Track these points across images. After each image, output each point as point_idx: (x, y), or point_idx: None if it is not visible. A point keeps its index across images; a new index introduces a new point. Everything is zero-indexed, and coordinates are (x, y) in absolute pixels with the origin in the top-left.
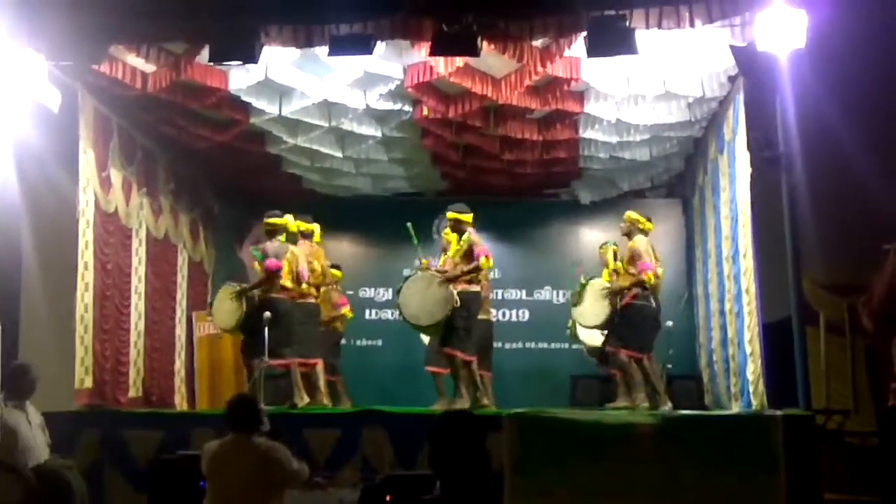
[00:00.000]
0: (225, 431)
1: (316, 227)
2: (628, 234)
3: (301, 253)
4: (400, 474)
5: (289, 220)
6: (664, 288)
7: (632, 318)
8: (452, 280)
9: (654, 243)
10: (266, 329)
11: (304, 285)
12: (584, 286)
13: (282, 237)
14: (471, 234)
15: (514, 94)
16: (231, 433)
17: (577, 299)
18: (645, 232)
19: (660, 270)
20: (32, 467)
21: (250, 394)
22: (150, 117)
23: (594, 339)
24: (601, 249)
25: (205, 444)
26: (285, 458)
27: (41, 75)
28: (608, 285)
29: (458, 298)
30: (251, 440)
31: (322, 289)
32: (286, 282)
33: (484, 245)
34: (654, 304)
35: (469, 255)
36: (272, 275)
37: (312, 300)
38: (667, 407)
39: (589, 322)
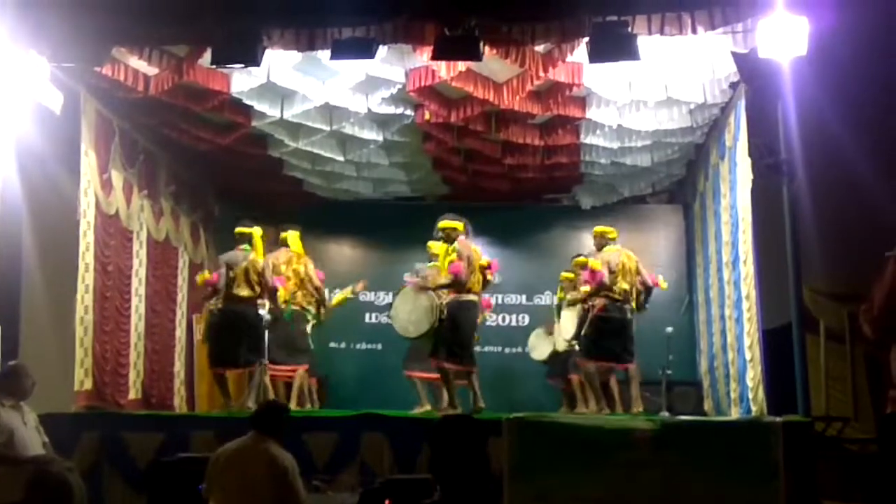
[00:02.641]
0: (228, 433)
1: (290, 236)
2: (600, 248)
3: (269, 261)
4: (399, 478)
5: (256, 230)
6: (664, 294)
7: (598, 329)
8: (431, 289)
9: (654, 249)
10: (266, 333)
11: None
12: (561, 300)
13: (246, 246)
14: (459, 243)
15: (516, 99)
16: (252, 432)
17: (557, 314)
18: (614, 241)
19: (657, 278)
20: (31, 471)
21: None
22: (151, 120)
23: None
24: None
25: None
26: (292, 469)
27: (43, 77)
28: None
29: (443, 309)
30: (269, 442)
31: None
32: (241, 291)
33: (470, 255)
34: (624, 315)
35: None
36: (213, 286)
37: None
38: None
39: (567, 335)
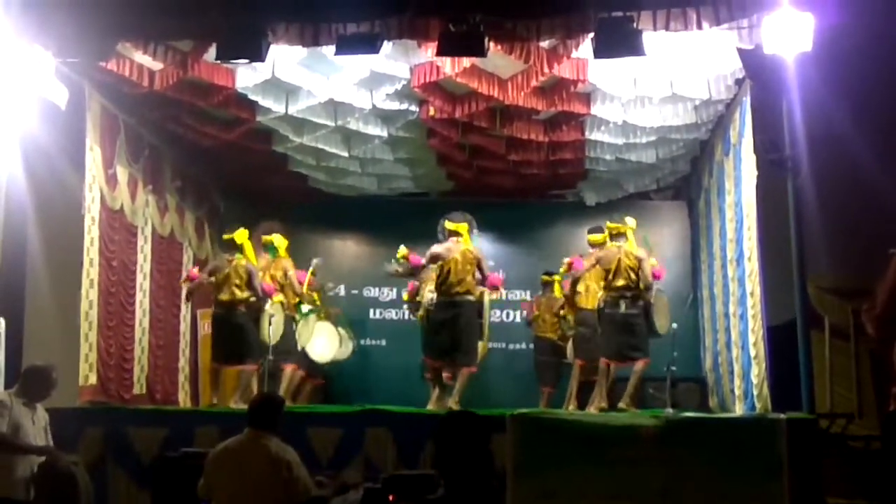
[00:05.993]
0: (232, 429)
1: (274, 239)
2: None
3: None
4: (403, 474)
5: (239, 234)
6: (669, 291)
7: (601, 325)
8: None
9: (658, 246)
10: (270, 329)
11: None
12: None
13: (238, 255)
14: (440, 245)
15: (521, 95)
16: (248, 429)
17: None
18: (621, 236)
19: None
20: (38, 466)
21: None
22: (156, 115)
23: None
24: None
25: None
26: (295, 462)
27: (48, 72)
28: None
29: (428, 306)
30: (266, 438)
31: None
32: (223, 295)
33: (439, 256)
34: (616, 311)
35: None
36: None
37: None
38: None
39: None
